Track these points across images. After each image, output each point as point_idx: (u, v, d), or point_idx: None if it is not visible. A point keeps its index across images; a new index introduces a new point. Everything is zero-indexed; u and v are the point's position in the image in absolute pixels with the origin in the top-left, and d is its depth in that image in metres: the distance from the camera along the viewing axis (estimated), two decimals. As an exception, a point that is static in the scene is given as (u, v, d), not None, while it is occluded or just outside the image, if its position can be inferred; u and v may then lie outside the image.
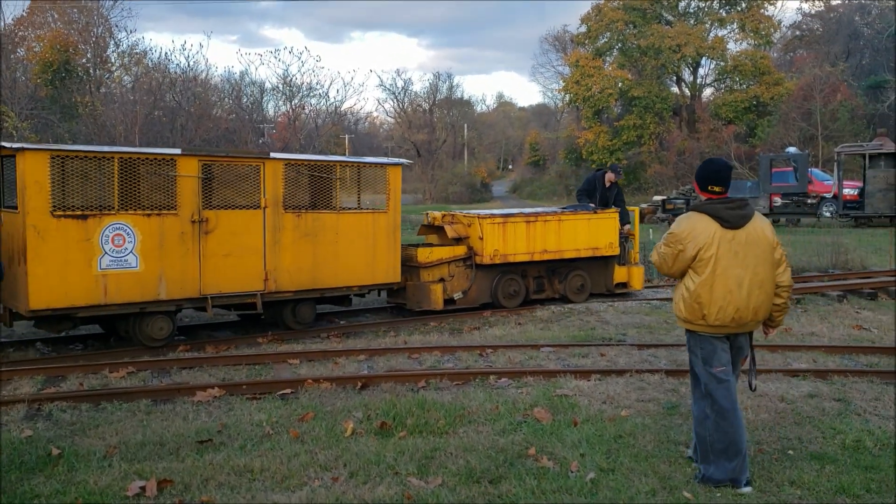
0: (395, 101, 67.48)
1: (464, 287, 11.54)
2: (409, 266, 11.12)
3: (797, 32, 58.33)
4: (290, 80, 40.51)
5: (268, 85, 41.92)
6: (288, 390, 6.91)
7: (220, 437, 5.70)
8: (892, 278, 14.21)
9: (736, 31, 50.14)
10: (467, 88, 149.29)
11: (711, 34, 49.91)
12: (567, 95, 50.71)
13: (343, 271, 10.20)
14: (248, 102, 40.19)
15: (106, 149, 8.85)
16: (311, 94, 40.66)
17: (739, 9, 49.92)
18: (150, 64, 34.34)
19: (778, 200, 28.32)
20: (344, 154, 41.28)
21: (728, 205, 4.58)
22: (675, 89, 51.83)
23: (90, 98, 29.60)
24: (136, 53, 35.36)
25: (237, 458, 5.23)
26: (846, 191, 26.65)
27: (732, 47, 49.96)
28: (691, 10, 51.88)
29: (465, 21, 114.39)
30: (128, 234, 8.54)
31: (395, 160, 11.08)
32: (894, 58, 47.23)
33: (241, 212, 9.36)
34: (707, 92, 53.36)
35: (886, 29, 46.74)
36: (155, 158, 8.85)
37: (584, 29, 51.34)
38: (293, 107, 40.19)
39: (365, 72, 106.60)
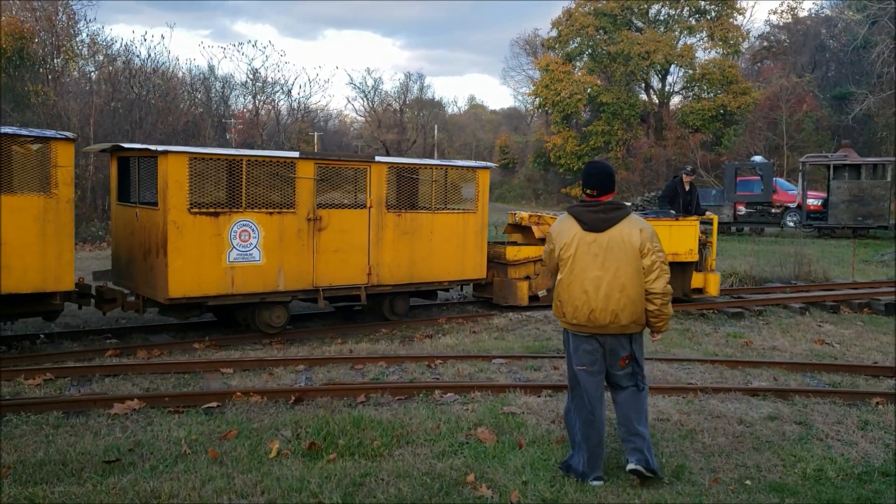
0: (365, 99, 66.91)
1: (548, 285, 11.84)
2: (497, 263, 11.72)
3: (765, 43, 58.94)
4: (256, 74, 39.74)
5: (236, 80, 40.87)
6: (214, 403, 6.38)
7: (131, 457, 5.17)
8: (855, 291, 14.06)
9: (705, 39, 50.36)
10: (440, 90, 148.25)
11: (681, 42, 50.05)
12: (537, 99, 50.50)
13: (436, 267, 10.89)
14: (215, 97, 39.26)
15: (235, 152, 9.40)
16: (274, 89, 39.85)
17: (709, 18, 50.16)
18: (110, 54, 33.33)
19: (742, 209, 28.29)
20: (313, 150, 40.55)
21: (591, 208, 4.66)
22: (643, 96, 51.95)
23: (43, 87, 28.60)
24: (97, 44, 34.34)
25: (145, 481, 4.72)
26: (810, 201, 26.69)
27: (701, 56, 50.22)
28: (661, 18, 52.01)
29: (440, 22, 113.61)
30: (253, 230, 9.21)
31: (484, 164, 11.87)
32: (859, 70, 47.84)
33: (349, 211, 10.09)
34: (675, 100, 53.60)
35: (852, 42, 47.26)
36: (277, 161, 9.50)
37: (554, 33, 51.22)
38: (256, 102, 39.38)
39: (331, 69, 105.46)
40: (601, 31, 49.48)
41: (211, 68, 40.43)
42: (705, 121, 47.39)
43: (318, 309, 10.94)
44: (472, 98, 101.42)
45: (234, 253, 9.01)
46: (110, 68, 31.75)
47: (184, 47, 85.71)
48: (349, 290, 10.09)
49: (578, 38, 50.25)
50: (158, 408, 6.28)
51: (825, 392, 6.75)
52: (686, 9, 50.91)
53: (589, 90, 47.22)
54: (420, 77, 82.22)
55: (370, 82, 67.74)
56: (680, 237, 12.37)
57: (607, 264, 4.54)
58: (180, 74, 37.97)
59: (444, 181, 11.12)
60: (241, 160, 9.13)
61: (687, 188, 13.10)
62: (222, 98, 40.32)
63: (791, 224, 27.21)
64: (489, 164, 12.08)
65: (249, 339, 9.57)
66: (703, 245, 12.80)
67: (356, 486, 4.67)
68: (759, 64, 58.48)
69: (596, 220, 4.62)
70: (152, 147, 8.77)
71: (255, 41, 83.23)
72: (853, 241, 22.33)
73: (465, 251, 11.14)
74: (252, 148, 28.02)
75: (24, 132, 8.30)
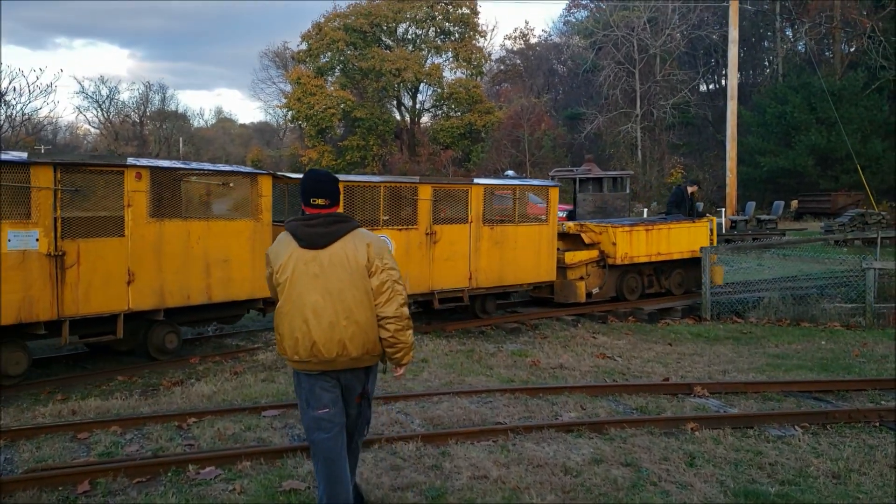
0: (99, 110, 60.79)
1: (598, 284, 13.71)
2: (557, 267, 13.06)
3: (502, 66, 62.29)
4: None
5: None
6: None
7: None
8: (617, 301, 14.34)
9: (451, 59, 51.84)
10: (187, 103, 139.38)
11: (429, 61, 51.12)
12: (289, 112, 48.91)
13: (519, 271, 12.47)
14: None
15: (376, 179, 11.20)
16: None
17: (453, 39, 51.72)
18: None
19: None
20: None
21: (308, 222, 3.92)
22: (396, 114, 52.36)
23: None
24: None
25: None
26: (558, 213, 27.83)
27: (448, 75, 51.61)
28: (409, 37, 52.80)
29: (184, 35, 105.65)
30: (388, 243, 10.12)
31: (554, 182, 14.32)
32: (587, 93, 51.99)
33: (455, 226, 11.71)
34: (426, 117, 54.67)
35: (581, 66, 51.22)
36: (405, 185, 11.19)
37: (304, 46, 49.98)
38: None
39: (55, 73, 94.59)
40: (352, 46, 49.07)
41: None
42: (455, 138, 48.72)
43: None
44: (219, 111, 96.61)
45: None
46: None
47: None
48: (455, 293, 11.67)
49: (329, 53, 49.46)
50: None
51: (638, 421, 6.17)
52: (432, 29, 52.12)
53: (343, 105, 46.53)
54: (162, 88, 75.71)
55: (104, 92, 61.36)
56: (696, 236, 14.60)
57: (330, 286, 3.81)
58: None
59: (523, 198, 12.89)
60: (380, 186, 10.78)
61: (690, 195, 15.34)
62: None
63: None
64: (558, 183, 14.57)
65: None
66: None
67: None
68: (498, 86, 61.63)
69: (314, 234, 3.87)
70: None
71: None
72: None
73: (539, 257, 12.70)
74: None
75: (241, 169, 10.06)
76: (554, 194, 13.08)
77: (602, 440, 5.76)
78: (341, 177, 10.17)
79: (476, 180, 12.02)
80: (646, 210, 28.74)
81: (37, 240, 7.96)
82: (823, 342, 11.02)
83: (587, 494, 4.71)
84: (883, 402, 7.11)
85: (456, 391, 7.13)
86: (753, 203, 28.78)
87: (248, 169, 10.22)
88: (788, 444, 5.77)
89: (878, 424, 6.29)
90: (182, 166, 9.68)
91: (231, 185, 9.78)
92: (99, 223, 8.50)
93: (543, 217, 13.11)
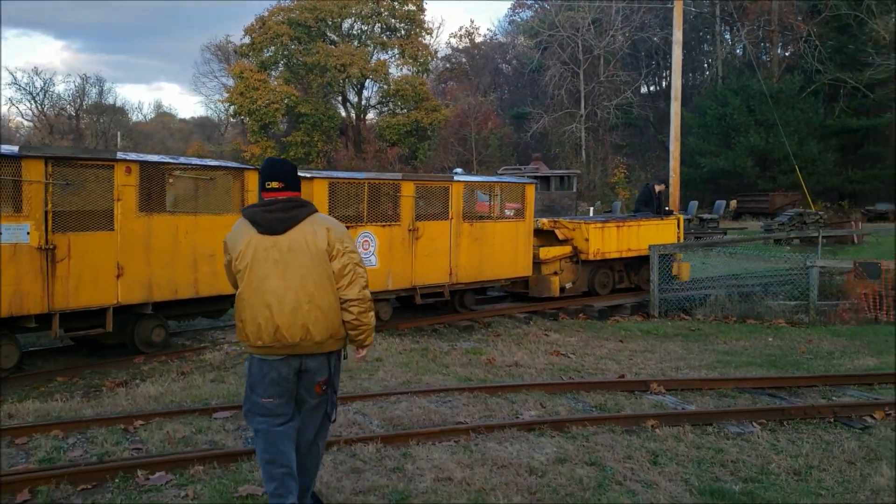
0: (32, 102, 58.68)
1: (572, 279, 14.00)
2: (533, 262, 13.25)
3: (447, 65, 62.30)
4: None
5: None
6: None
7: None
8: (570, 297, 14.39)
9: (397, 56, 51.63)
10: (125, 97, 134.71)
11: (374, 57, 50.80)
12: (232, 107, 48.01)
13: (497, 267, 12.66)
14: None
15: (360, 176, 11.19)
16: None
17: (400, 35, 51.50)
18: None
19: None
20: None
21: (267, 207, 3.89)
22: (341, 110, 51.88)
23: None
24: None
25: None
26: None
27: (394, 72, 51.38)
28: (355, 33, 52.39)
29: (123, 27, 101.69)
30: (371, 240, 10.82)
31: (530, 180, 14.16)
32: (533, 92, 52.34)
33: (437, 222, 11.75)
34: (371, 114, 54.33)
35: (527, 66, 51.54)
36: (388, 183, 11.30)
37: (247, 40, 49.13)
38: None
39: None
40: (296, 40, 48.45)
41: None
42: (401, 135, 48.54)
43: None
44: (158, 105, 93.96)
45: None
46: None
47: None
48: (436, 288, 11.75)
49: (273, 47, 48.73)
50: None
51: (599, 419, 6.12)
52: (378, 25, 51.80)
53: (287, 100, 45.88)
54: (99, 81, 72.86)
55: (38, 84, 59.21)
56: (665, 232, 15.00)
57: (290, 272, 3.81)
58: None
59: (501, 195, 13.22)
60: (364, 183, 10.82)
61: (657, 193, 15.56)
62: None
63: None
64: (534, 181, 14.67)
65: None
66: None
67: None
68: (444, 84, 61.61)
69: (273, 220, 3.85)
70: (303, 174, 9.87)
71: None
72: (549, 248, 23.54)
73: (517, 253, 12.87)
74: None
75: (228, 164, 10.23)
76: (530, 192, 13.18)
77: (564, 439, 5.70)
78: (327, 174, 10.50)
79: (457, 178, 12.14)
80: (591, 209, 29.01)
81: (28, 233, 7.96)
82: (770, 339, 11.23)
83: (554, 495, 4.62)
84: (834, 398, 7.24)
85: (414, 390, 6.99)
86: (696, 202, 29.32)
87: (235, 164, 10.30)
88: (748, 441, 5.79)
89: (832, 420, 6.38)
90: (171, 161, 9.69)
91: (217, 179, 9.88)
92: (89, 217, 8.55)
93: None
